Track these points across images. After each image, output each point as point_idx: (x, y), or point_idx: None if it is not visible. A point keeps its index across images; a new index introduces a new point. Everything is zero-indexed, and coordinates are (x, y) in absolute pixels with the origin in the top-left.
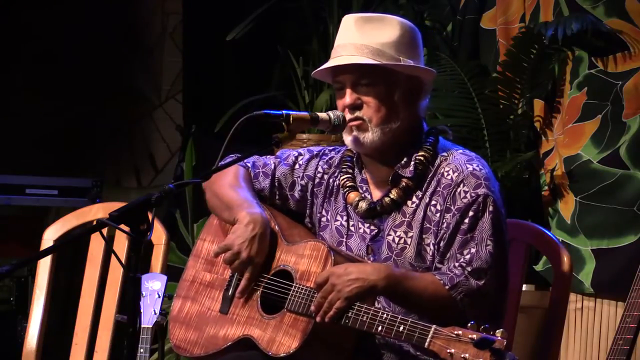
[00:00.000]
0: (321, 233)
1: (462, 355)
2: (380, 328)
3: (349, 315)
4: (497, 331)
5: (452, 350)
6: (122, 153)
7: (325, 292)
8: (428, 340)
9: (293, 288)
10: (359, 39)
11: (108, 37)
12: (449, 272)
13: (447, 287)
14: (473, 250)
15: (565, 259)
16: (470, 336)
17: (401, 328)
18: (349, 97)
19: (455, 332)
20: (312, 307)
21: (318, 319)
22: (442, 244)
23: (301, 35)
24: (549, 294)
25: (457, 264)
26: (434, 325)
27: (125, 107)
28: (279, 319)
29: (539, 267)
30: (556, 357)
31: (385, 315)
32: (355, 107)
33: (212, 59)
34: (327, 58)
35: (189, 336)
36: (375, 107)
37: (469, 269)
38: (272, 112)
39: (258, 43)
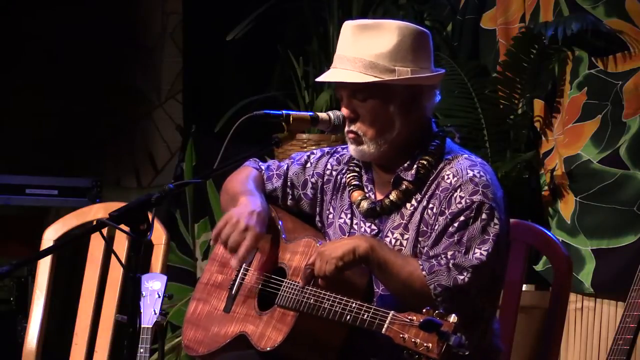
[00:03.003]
0: (327, 230)
1: (413, 340)
2: (349, 317)
3: (325, 306)
4: (450, 316)
5: (406, 336)
6: (122, 153)
7: (314, 263)
8: (385, 326)
9: (284, 284)
10: (354, 51)
11: (108, 37)
12: (432, 262)
13: (424, 272)
14: (458, 254)
15: (565, 259)
16: (421, 320)
17: (365, 316)
18: (345, 111)
19: (410, 317)
20: (302, 282)
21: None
22: (429, 241)
23: (301, 35)
24: (549, 294)
25: (442, 257)
26: (392, 312)
27: (125, 107)
28: (270, 315)
29: (539, 267)
30: (556, 357)
31: (354, 305)
32: (351, 120)
33: (212, 59)
34: (327, 58)
35: (197, 336)
36: (369, 121)
37: (452, 261)
38: (272, 112)
39: (258, 43)
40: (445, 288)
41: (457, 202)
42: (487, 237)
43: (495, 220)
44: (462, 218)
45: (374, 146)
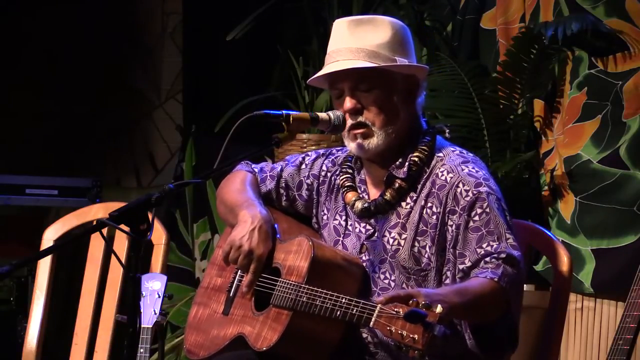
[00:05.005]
0: (322, 231)
1: (400, 332)
2: (339, 313)
3: (317, 303)
4: (435, 306)
5: (392, 328)
6: (122, 153)
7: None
8: (373, 319)
9: (278, 283)
10: (353, 43)
11: (108, 37)
12: (484, 269)
13: (495, 279)
14: (494, 244)
15: (565, 259)
16: (406, 311)
17: (354, 310)
18: (349, 103)
19: (396, 310)
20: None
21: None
22: (457, 245)
23: (301, 35)
24: (549, 294)
25: (488, 259)
26: (379, 305)
27: (125, 107)
28: (265, 315)
29: (539, 267)
30: (556, 357)
31: (343, 300)
32: (356, 111)
33: (212, 59)
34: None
35: (198, 340)
36: (376, 110)
37: (503, 256)
38: (272, 112)
39: (258, 43)
40: (511, 283)
41: (464, 196)
42: (509, 224)
43: (507, 210)
44: (479, 210)
45: (382, 135)
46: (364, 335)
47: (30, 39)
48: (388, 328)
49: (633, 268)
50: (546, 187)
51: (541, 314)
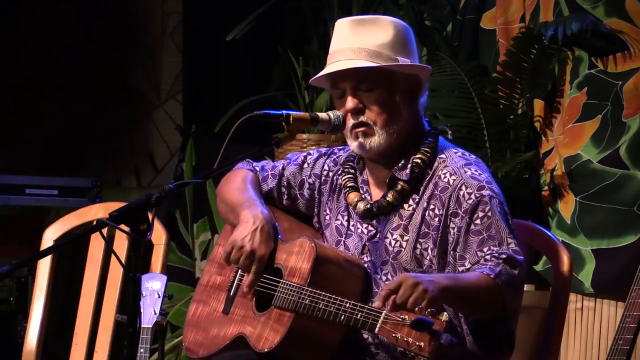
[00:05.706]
0: (325, 231)
1: (406, 339)
2: (343, 317)
3: (320, 306)
4: (442, 314)
5: (398, 335)
6: (122, 153)
7: (408, 289)
8: (378, 325)
9: (280, 284)
10: (356, 43)
11: (108, 37)
12: (483, 266)
13: (491, 276)
14: (495, 248)
15: (565, 259)
16: (412, 319)
17: (358, 315)
18: (350, 102)
19: (402, 317)
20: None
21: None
22: (458, 247)
23: (301, 35)
24: (549, 294)
25: (488, 257)
26: (385, 311)
27: (125, 107)
28: (267, 316)
29: (539, 267)
30: (556, 357)
31: (347, 305)
32: (358, 111)
33: (212, 59)
34: (326, 59)
35: (197, 338)
36: (377, 110)
37: (503, 256)
38: (272, 112)
39: (258, 43)
40: (508, 283)
41: (467, 199)
42: (511, 228)
43: (509, 213)
44: (481, 214)
45: (384, 135)
46: (365, 336)
47: (30, 39)
48: (394, 335)
49: (633, 268)
50: (546, 187)
51: (541, 314)
